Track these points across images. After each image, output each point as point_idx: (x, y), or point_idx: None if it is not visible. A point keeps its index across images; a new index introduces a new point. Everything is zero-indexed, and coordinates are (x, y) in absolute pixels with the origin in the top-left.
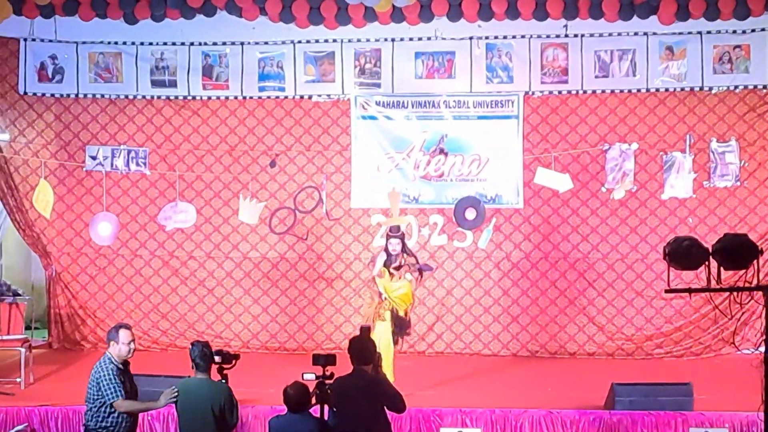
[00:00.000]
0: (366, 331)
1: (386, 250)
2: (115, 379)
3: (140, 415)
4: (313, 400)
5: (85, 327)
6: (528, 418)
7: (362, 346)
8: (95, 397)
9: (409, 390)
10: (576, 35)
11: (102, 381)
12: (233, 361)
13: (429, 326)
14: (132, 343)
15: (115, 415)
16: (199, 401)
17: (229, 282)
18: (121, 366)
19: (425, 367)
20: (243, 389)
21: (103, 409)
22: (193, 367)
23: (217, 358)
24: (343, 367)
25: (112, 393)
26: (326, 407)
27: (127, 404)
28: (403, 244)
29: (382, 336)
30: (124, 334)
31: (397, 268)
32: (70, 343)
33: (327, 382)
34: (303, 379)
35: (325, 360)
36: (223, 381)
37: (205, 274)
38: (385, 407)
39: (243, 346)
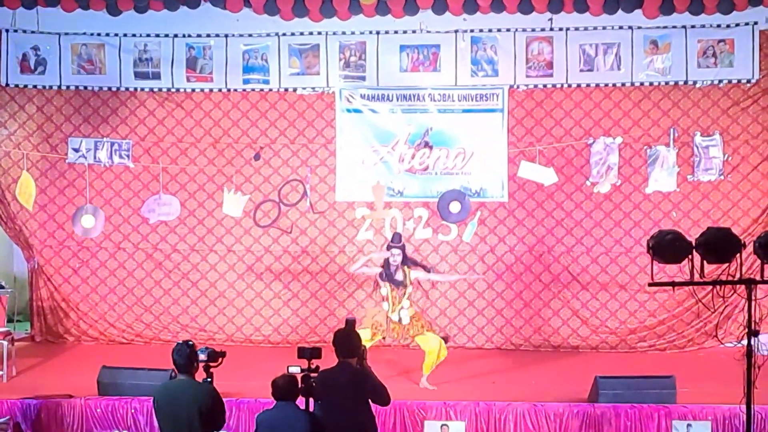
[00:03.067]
0: (351, 323)
1: (387, 261)
2: None
3: (124, 408)
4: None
5: (68, 320)
6: (512, 411)
7: (347, 339)
8: None
9: (394, 383)
10: (561, 29)
11: None
12: (219, 359)
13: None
14: None
15: None
16: (183, 404)
17: (213, 275)
18: None
19: (410, 360)
20: (227, 382)
21: None
22: (174, 368)
23: (202, 356)
24: (329, 359)
25: None
26: (311, 400)
27: None
28: (404, 255)
29: (428, 345)
30: None
31: (398, 284)
32: (53, 336)
33: (312, 375)
34: (288, 371)
35: (310, 353)
36: (209, 380)
37: (189, 267)
38: (369, 400)
39: (227, 339)
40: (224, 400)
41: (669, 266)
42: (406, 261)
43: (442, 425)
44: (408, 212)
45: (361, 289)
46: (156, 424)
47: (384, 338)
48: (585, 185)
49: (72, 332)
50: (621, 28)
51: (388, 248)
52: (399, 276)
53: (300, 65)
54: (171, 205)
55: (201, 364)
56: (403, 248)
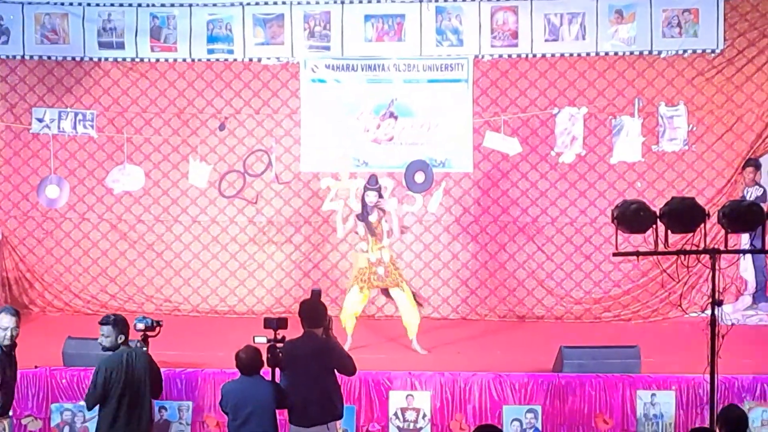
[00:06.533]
0: (316, 294)
1: (363, 202)
2: None
3: (89, 379)
4: (265, 364)
5: (33, 291)
6: (477, 381)
7: (313, 309)
8: None
9: (359, 353)
10: None
11: None
12: (157, 328)
13: (379, 290)
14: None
15: None
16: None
17: (178, 245)
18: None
19: (375, 330)
20: (193, 353)
21: None
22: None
23: (140, 326)
24: (294, 330)
25: None
26: (278, 370)
27: None
28: (380, 197)
29: (405, 302)
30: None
31: (377, 224)
32: (18, 307)
33: (278, 345)
34: (254, 342)
35: (276, 323)
36: (144, 348)
37: (154, 238)
38: (335, 370)
39: (192, 310)
40: (190, 370)
41: (633, 236)
42: (382, 204)
43: (407, 395)
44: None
45: (327, 260)
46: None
47: (369, 287)
48: (550, 155)
49: (37, 303)
50: None
51: (365, 189)
52: (373, 217)
53: (264, 35)
54: (135, 175)
55: (139, 333)
56: (378, 190)
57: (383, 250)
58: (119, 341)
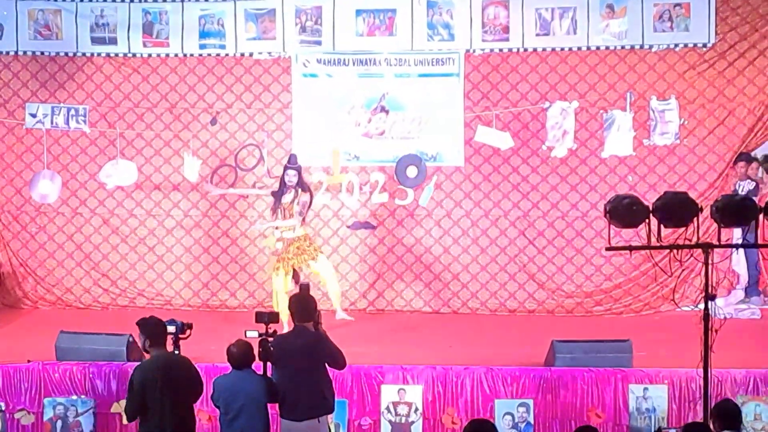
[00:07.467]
0: (306, 288)
1: (282, 180)
2: None
3: (82, 373)
4: (256, 358)
5: (26, 285)
6: (469, 375)
7: (303, 304)
8: None
9: (351, 347)
10: None
11: None
12: (187, 331)
13: (370, 284)
14: None
15: None
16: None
17: (170, 240)
18: None
19: (367, 324)
20: (184, 347)
21: None
22: (149, 346)
23: (171, 329)
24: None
25: None
26: (269, 364)
27: None
28: (300, 178)
29: (325, 272)
30: None
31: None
32: (11, 301)
33: (269, 339)
34: (246, 336)
35: (268, 317)
36: (177, 352)
37: (146, 232)
38: (326, 364)
39: (184, 304)
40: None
41: (625, 230)
42: (302, 184)
43: (399, 389)
44: (364, 177)
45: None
46: (113, 388)
47: (285, 269)
48: (541, 150)
49: (30, 297)
50: None
51: (285, 168)
52: (287, 197)
53: (256, 30)
54: (128, 170)
55: (170, 336)
56: (299, 170)
57: (293, 229)
58: (146, 345)
